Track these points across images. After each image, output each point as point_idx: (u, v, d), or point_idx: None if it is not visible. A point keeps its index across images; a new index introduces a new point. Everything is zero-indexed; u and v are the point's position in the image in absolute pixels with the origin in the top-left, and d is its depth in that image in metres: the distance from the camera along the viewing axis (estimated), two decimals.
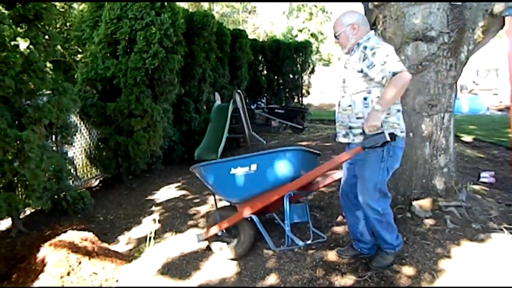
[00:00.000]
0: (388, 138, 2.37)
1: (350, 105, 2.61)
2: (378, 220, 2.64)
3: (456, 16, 3.42)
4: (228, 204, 3.31)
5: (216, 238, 3.11)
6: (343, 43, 2.68)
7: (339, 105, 2.71)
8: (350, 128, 2.63)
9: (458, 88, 4.46)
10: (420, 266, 2.71)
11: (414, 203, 3.45)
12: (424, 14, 3.43)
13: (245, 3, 27.52)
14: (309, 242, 3.04)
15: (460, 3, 3.43)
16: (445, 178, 3.58)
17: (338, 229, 3.31)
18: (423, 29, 3.44)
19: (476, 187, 4.10)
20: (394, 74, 2.38)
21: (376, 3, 3.74)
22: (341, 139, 2.71)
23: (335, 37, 2.71)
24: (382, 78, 2.43)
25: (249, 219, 2.94)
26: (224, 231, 3.07)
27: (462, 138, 8.03)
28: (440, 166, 3.58)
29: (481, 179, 4.65)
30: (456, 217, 3.29)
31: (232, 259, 3.02)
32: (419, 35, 3.46)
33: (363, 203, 2.64)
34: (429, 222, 3.26)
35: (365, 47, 2.53)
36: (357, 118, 2.58)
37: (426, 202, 3.45)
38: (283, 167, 2.86)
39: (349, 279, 2.62)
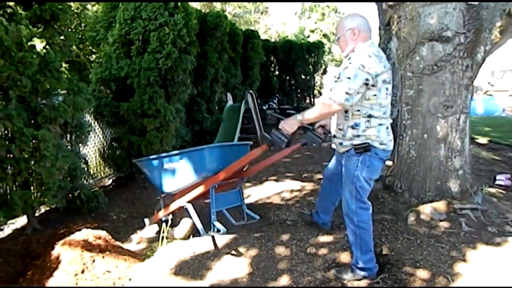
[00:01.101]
0: (284, 146, 2.73)
1: (334, 115, 2.68)
2: (353, 232, 2.65)
3: (472, 16, 3.37)
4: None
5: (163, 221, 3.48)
6: (342, 47, 2.64)
7: None
8: (334, 137, 2.71)
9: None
10: (434, 269, 2.67)
11: (428, 205, 3.41)
12: (440, 14, 3.38)
13: (257, 4, 27.53)
14: (242, 223, 3.44)
15: (476, 2, 3.38)
16: (460, 181, 3.53)
17: None
18: (438, 29, 3.39)
19: (492, 190, 4.04)
20: (329, 98, 2.43)
21: (390, 3, 3.71)
22: (332, 146, 2.80)
23: (336, 39, 2.69)
24: None
25: (184, 207, 3.33)
26: (167, 217, 3.47)
27: (477, 140, 7.91)
28: (455, 168, 3.53)
29: (497, 182, 4.58)
30: (471, 220, 3.24)
31: (182, 239, 3.37)
32: (435, 36, 3.42)
33: (343, 209, 2.70)
34: (443, 225, 3.21)
35: (349, 58, 2.50)
36: (339, 129, 2.63)
37: (440, 205, 3.40)
38: (205, 163, 3.22)
39: (362, 281, 2.60)
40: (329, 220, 3.30)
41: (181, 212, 3.52)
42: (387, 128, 2.57)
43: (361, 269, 2.62)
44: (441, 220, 3.27)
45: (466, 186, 3.55)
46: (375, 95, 2.45)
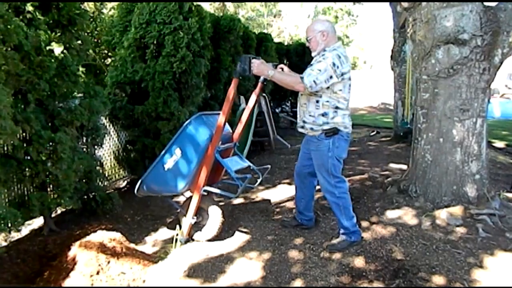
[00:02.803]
0: (238, 75, 3.03)
1: (305, 103, 3.06)
2: (335, 203, 3.08)
3: (490, 19, 3.33)
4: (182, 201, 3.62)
5: (194, 229, 3.43)
6: (313, 46, 3.08)
7: (298, 100, 3.17)
8: (304, 122, 3.10)
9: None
10: (450, 275, 2.63)
11: (444, 210, 3.36)
12: (456, 16, 3.34)
13: (270, 7, 27.58)
14: (260, 179, 3.52)
15: (494, 4, 3.34)
16: (477, 185, 3.48)
17: (365, 234, 3.25)
18: (455, 32, 3.36)
19: (510, 195, 3.95)
20: (301, 78, 2.86)
21: (406, 5, 3.68)
22: (299, 129, 3.20)
23: (307, 40, 3.11)
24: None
25: (205, 193, 3.29)
26: (195, 218, 3.36)
27: (494, 144, 7.78)
28: (472, 173, 3.47)
29: None
30: (488, 226, 3.19)
31: (211, 240, 3.38)
32: (451, 38, 3.38)
33: (323, 189, 3.15)
34: (460, 230, 3.17)
35: (323, 55, 2.97)
36: (310, 115, 3.04)
37: (457, 210, 3.35)
38: (198, 135, 3.21)
39: (376, 287, 2.57)
40: (313, 216, 3.52)
41: (204, 214, 3.47)
42: (348, 115, 3.06)
43: (352, 233, 3.09)
44: (457, 226, 3.22)
45: (483, 191, 3.49)
46: (341, 89, 2.94)
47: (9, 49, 2.97)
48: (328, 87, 2.90)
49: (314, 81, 2.83)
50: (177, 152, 3.22)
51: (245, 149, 6.85)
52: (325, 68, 2.83)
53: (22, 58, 3.08)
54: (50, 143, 3.38)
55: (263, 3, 26.37)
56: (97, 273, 2.73)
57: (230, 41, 7.39)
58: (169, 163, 3.25)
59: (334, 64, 2.85)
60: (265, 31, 19.09)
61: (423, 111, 3.67)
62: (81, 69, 3.83)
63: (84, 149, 4.29)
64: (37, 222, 4.02)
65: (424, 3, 3.50)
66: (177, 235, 3.38)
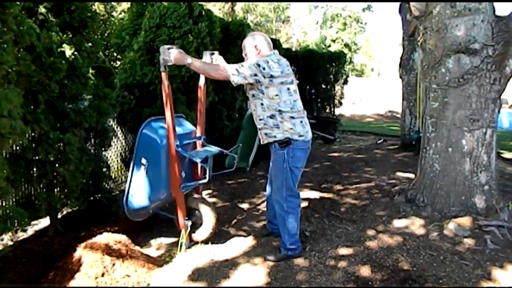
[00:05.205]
0: (165, 61, 2.99)
1: (254, 109, 3.06)
2: (281, 216, 3.06)
3: (501, 28, 3.31)
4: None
5: (191, 230, 3.44)
6: None
7: (250, 109, 3.18)
8: (260, 129, 3.09)
9: None
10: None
11: (452, 221, 3.33)
12: (468, 26, 3.33)
13: (279, 12, 27.69)
14: (236, 160, 3.64)
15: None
16: (485, 196, 3.44)
17: (371, 243, 3.23)
18: (465, 41, 3.34)
19: None
20: (224, 68, 2.96)
21: (416, 13, 3.67)
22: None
23: (244, 55, 3.18)
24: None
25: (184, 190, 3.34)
26: (190, 220, 3.39)
27: (503, 155, 7.71)
28: (481, 184, 3.44)
29: None
30: (497, 238, 3.15)
31: (207, 240, 3.44)
32: (462, 48, 3.37)
33: (273, 197, 3.15)
34: (468, 241, 3.13)
35: None
36: (260, 119, 3.03)
37: (465, 221, 3.32)
38: (155, 137, 3.26)
39: None
40: None
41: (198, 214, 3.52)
42: (301, 121, 2.99)
43: (288, 249, 3.05)
44: (465, 237, 3.18)
45: (492, 202, 3.46)
46: (277, 95, 2.92)
47: (21, 50, 3.00)
48: (262, 92, 2.92)
49: (236, 69, 2.88)
50: (143, 161, 3.26)
51: (251, 155, 6.83)
52: (249, 65, 2.89)
53: (34, 59, 3.11)
54: (59, 144, 3.39)
55: (271, 8, 26.49)
56: (102, 275, 2.72)
57: (239, 46, 7.40)
58: (140, 175, 3.28)
59: (258, 65, 2.87)
60: (273, 36, 19.16)
61: (432, 120, 3.65)
62: (91, 71, 3.86)
63: (92, 151, 4.31)
64: (43, 222, 4.04)
65: (435, 12, 3.49)
66: (182, 238, 3.37)
